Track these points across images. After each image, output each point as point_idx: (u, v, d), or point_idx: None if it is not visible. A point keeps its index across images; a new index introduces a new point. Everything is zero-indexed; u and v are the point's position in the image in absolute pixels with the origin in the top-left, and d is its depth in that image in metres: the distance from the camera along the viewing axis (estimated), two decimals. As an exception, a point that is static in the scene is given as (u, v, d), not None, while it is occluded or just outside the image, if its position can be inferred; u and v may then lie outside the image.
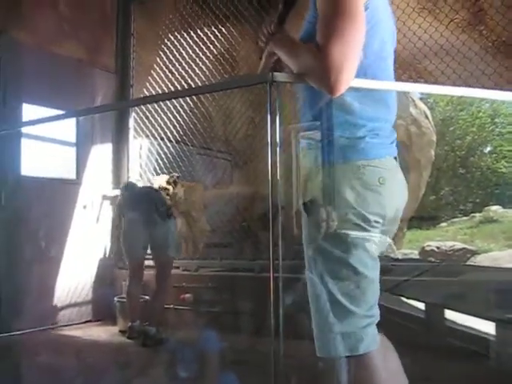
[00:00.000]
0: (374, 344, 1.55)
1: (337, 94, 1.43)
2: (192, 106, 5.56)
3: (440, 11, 4.59)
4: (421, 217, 9.64)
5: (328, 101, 1.56)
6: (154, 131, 5.74)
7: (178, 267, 5.03)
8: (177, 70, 5.74)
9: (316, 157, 1.67)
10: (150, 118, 5.70)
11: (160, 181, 4.93)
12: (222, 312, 4.54)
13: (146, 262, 4.64)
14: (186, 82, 5.67)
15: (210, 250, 5.53)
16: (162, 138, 5.75)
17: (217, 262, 5.16)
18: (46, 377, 3.42)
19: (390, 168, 1.60)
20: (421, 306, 3.75)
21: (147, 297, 4.74)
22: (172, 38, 5.83)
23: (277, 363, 1.53)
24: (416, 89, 1.58)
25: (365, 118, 1.58)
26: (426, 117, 5.54)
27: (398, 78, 1.75)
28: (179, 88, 5.65)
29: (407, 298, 3.81)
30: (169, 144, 5.57)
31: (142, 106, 5.62)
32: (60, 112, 5.08)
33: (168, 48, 5.84)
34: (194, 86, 5.66)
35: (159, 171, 5.59)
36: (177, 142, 5.65)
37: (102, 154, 5.60)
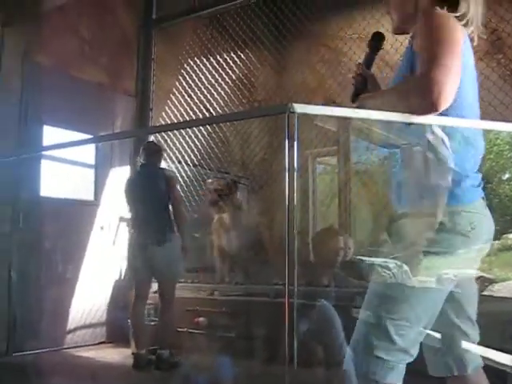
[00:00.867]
0: (400, 380, 1.60)
1: (439, 110, 1.47)
2: (210, 130, 5.61)
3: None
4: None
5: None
6: (171, 154, 5.78)
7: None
8: (196, 94, 5.81)
9: (402, 197, 1.73)
10: (169, 141, 5.76)
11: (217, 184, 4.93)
12: (236, 337, 4.52)
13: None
14: (204, 106, 5.74)
15: (225, 273, 5.52)
16: (179, 162, 5.78)
17: (231, 286, 5.15)
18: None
19: (480, 211, 1.67)
20: (437, 335, 3.69)
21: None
22: (191, 62, 5.92)
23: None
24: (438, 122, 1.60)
25: (459, 163, 1.63)
26: (444, 143, 5.53)
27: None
28: (198, 112, 5.72)
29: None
30: (186, 167, 5.62)
31: (161, 130, 5.68)
32: (80, 134, 5.19)
33: (187, 73, 5.92)
34: (212, 110, 5.73)
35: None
36: (194, 165, 5.69)
37: (120, 176, 5.65)
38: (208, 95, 5.78)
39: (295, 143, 1.57)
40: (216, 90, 5.79)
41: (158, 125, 5.87)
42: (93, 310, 5.26)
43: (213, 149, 5.77)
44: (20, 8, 4.62)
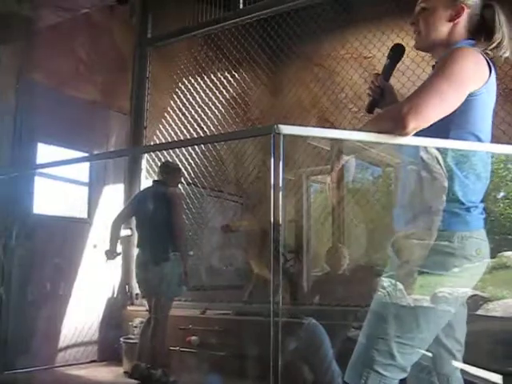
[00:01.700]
0: None
1: (402, 128, 1.52)
2: (204, 148, 5.63)
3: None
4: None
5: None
6: (165, 173, 5.77)
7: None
8: (190, 113, 5.84)
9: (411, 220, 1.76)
10: (163, 159, 5.77)
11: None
12: (229, 356, 4.49)
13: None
14: (198, 125, 5.77)
15: (218, 292, 5.51)
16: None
17: (224, 304, 5.13)
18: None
19: (484, 239, 1.72)
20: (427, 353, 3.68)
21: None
22: (186, 81, 5.96)
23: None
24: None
25: (476, 191, 1.71)
26: (438, 162, 5.56)
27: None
28: (192, 130, 5.75)
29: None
30: (180, 186, 5.63)
31: (155, 148, 5.70)
32: (74, 152, 5.21)
33: (182, 91, 5.95)
34: (206, 129, 5.76)
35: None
36: (188, 183, 5.70)
37: (113, 194, 5.66)
38: (202, 114, 5.81)
39: (281, 164, 1.59)
40: (210, 108, 5.82)
41: (150, 144, 5.89)
42: (85, 328, 5.23)
43: (206, 167, 5.78)
44: (15, 25, 4.66)
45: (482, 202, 1.75)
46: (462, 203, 1.66)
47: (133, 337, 4.91)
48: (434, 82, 1.59)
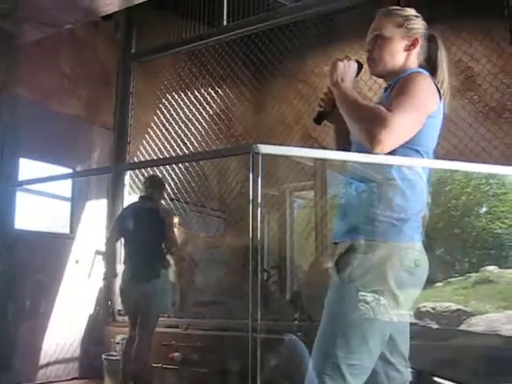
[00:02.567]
0: None
1: (379, 148, 1.60)
2: (187, 164, 5.64)
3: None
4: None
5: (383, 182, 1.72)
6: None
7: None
8: (173, 128, 5.86)
9: (350, 231, 1.78)
10: (146, 175, 5.76)
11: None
12: (211, 372, 4.47)
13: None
14: (181, 140, 5.78)
15: (201, 308, 5.49)
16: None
17: (207, 320, 5.11)
18: None
19: (422, 251, 1.75)
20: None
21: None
22: (169, 97, 5.98)
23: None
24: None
25: (412, 202, 1.73)
26: (420, 178, 5.62)
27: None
28: (175, 146, 5.77)
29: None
30: (163, 201, 5.62)
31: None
32: (57, 167, 5.19)
33: (165, 107, 5.97)
34: (189, 145, 5.77)
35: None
36: (171, 199, 5.69)
37: (96, 209, 5.63)
38: (185, 130, 5.83)
39: (259, 183, 1.61)
40: (193, 124, 5.84)
41: (134, 160, 5.89)
42: (66, 345, 5.18)
43: (190, 182, 5.78)
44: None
45: (419, 214, 1.78)
46: (400, 211, 1.69)
47: (115, 353, 4.86)
48: (405, 107, 1.65)
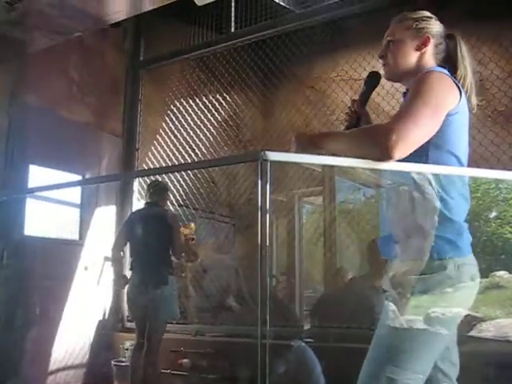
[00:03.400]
0: None
1: (389, 157, 1.52)
2: (195, 170, 5.65)
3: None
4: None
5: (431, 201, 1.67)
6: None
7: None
8: (182, 135, 5.87)
9: (402, 249, 1.76)
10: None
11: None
12: (220, 378, 4.46)
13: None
14: (190, 146, 5.80)
15: (210, 314, 5.49)
16: (165, 201, 5.79)
17: (216, 326, 5.11)
18: None
19: (475, 264, 1.72)
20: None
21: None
22: (178, 104, 6.00)
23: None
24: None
25: (461, 215, 1.71)
26: (430, 183, 5.60)
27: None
28: (184, 153, 5.78)
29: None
30: (171, 207, 5.63)
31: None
32: (67, 174, 5.21)
33: (174, 114, 5.99)
34: (198, 151, 5.78)
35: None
36: (179, 205, 5.71)
37: (105, 215, 5.65)
38: (194, 136, 5.84)
39: (268, 190, 1.61)
40: (202, 131, 5.86)
41: (143, 166, 5.90)
42: (75, 351, 5.18)
43: (198, 189, 5.79)
44: (8, 48, 4.68)
45: (465, 222, 1.75)
46: (453, 224, 1.66)
47: (124, 360, 4.88)
48: (415, 107, 1.61)
